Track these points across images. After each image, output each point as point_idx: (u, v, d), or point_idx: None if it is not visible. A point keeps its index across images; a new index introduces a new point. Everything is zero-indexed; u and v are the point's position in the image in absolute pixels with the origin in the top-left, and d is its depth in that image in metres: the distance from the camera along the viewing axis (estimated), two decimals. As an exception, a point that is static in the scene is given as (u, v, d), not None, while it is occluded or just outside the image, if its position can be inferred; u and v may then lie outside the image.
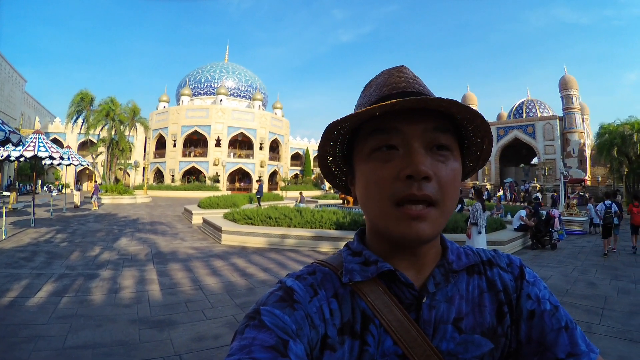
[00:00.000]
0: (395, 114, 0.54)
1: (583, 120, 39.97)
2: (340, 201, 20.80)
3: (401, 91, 0.57)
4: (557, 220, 10.96)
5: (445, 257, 0.61)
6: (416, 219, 0.52)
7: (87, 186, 42.36)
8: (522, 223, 10.99)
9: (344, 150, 0.65)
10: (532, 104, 44.04)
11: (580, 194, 26.87)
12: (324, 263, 0.63)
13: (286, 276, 0.61)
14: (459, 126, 0.60)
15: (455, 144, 0.58)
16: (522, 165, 44.67)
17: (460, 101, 0.57)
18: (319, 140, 0.61)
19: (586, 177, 35.24)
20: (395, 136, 0.54)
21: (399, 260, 0.59)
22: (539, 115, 42.16)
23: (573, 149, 38.12)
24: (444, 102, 0.50)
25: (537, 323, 0.58)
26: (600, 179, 36.42)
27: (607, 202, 10.37)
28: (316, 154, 0.65)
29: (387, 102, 0.50)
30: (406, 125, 0.54)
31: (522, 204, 19.43)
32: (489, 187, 36.68)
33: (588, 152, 38.05)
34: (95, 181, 23.83)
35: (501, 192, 30.36)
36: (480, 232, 7.31)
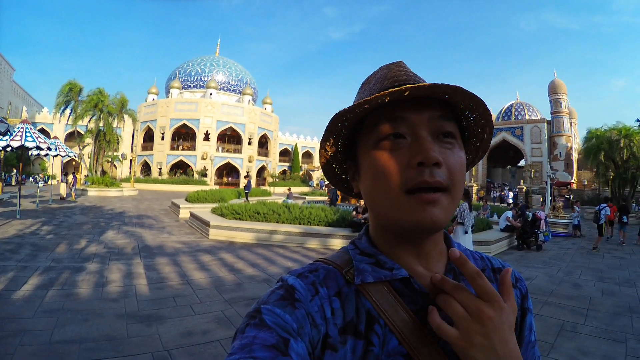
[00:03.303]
0: (401, 103, 0.54)
1: (571, 125, 40.63)
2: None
3: (403, 83, 0.57)
4: (543, 221, 11.16)
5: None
6: (431, 204, 0.52)
7: (71, 178, 41.91)
8: (509, 224, 11.15)
9: (345, 144, 0.65)
10: (521, 107, 44.50)
11: (566, 196, 27.27)
12: (327, 261, 0.62)
13: (287, 274, 0.60)
14: (459, 117, 0.61)
15: (459, 133, 0.59)
16: (509, 167, 45.16)
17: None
18: (322, 134, 0.60)
19: (572, 181, 35.79)
20: (402, 125, 0.54)
21: (405, 256, 0.59)
22: (527, 118, 42.62)
23: (560, 152, 38.71)
24: (450, 88, 0.52)
25: (522, 351, 0.61)
26: (586, 183, 36.97)
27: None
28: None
29: (397, 88, 0.50)
30: (413, 114, 0.54)
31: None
32: (475, 187, 37.04)
33: (575, 155, 38.61)
34: (74, 173, 23.38)
35: None
36: (466, 232, 7.40)
